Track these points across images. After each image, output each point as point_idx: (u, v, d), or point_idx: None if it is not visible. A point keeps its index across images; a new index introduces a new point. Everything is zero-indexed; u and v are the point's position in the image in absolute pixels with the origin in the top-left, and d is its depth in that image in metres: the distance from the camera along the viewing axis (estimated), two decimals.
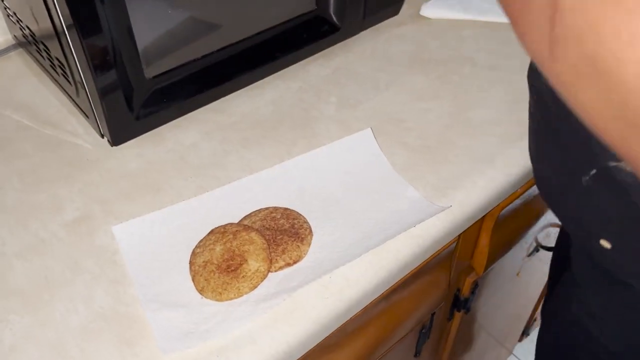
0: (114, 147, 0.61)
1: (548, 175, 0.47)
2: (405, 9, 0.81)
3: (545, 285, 1.15)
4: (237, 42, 0.64)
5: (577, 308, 0.51)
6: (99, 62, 0.53)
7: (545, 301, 0.64)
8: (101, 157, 0.60)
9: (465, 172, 0.58)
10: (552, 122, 0.44)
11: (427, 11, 0.81)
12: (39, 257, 0.51)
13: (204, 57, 0.62)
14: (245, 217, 0.53)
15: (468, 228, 0.62)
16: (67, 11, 0.50)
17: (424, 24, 0.79)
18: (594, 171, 0.38)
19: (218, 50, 0.63)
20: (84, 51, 0.52)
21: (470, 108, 0.66)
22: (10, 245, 0.51)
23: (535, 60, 0.28)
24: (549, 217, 0.84)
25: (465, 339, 0.95)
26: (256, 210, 0.53)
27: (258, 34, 0.66)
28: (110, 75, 0.55)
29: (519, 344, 1.37)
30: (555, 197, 0.46)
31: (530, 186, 0.67)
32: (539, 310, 1.24)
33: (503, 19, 0.79)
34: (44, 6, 0.53)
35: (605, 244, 0.40)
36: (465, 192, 0.56)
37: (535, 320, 1.28)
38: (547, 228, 0.88)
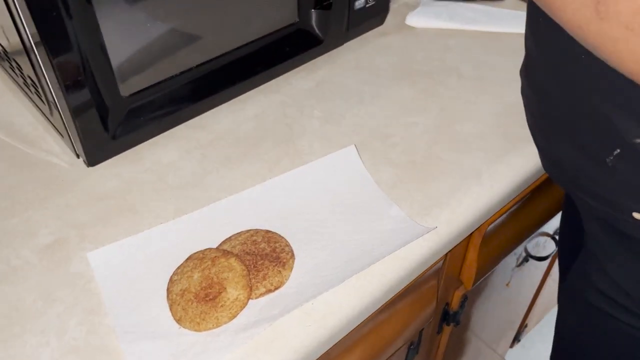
0: (90, 167, 0.59)
1: (562, 161, 0.47)
2: (390, 18, 0.80)
3: (536, 290, 1.14)
4: (217, 57, 0.63)
5: (597, 281, 0.51)
6: (71, 81, 0.52)
7: (560, 290, 0.64)
8: (77, 177, 0.58)
9: (451, 189, 0.57)
10: (561, 114, 0.44)
11: (412, 20, 0.79)
12: (10, 286, 0.49)
13: (182, 73, 0.61)
14: (224, 241, 0.51)
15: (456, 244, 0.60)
16: (34, 28, 0.48)
17: (410, 33, 0.78)
18: (617, 151, 0.39)
19: (197, 66, 0.61)
20: (54, 69, 0.50)
21: (457, 121, 0.65)
22: None
23: (573, 29, 0.33)
24: (541, 227, 0.83)
25: (456, 349, 0.94)
26: (236, 234, 0.52)
27: (238, 48, 0.64)
28: (83, 94, 0.53)
29: (511, 350, 1.36)
30: (574, 180, 0.47)
31: (519, 200, 0.66)
32: (530, 316, 1.23)
33: (488, 28, 0.78)
34: (12, 23, 0.51)
35: (638, 216, 0.41)
36: (451, 211, 0.55)
37: (526, 326, 1.27)
38: (536, 238, 0.87)
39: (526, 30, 0.48)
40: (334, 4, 0.67)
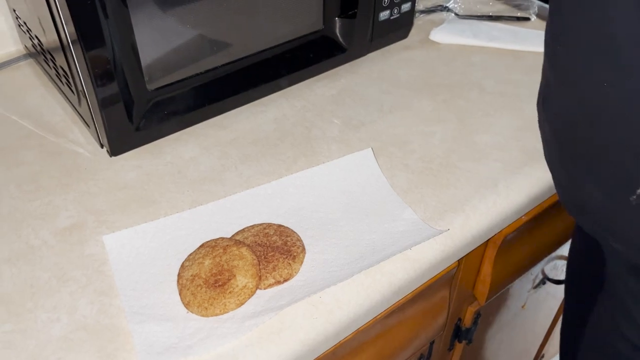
0: (113, 158, 0.60)
1: (585, 201, 0.45)
2: (414, 33, 0.81)
3: (554, 318, 1.11)
4: (242, 58, 0.64)
5: (625, 329, 0.48)
6: (101, 74, 0.54)
7: (564, 330, 0.61)
8: (100, 167, 0.60)
9: (466, 196, 0.57)
10: (581, 148, 0.42)
11: (436, 36, 0.80)
12: (28, 264, 0.50)
13: (207, 71, 0.62)
14: (237, 232, 0.52)
15: (470, 254, 0.60)
16: (72, 24, 0.50)
17: (433, 48, 0.79)
18: None
19: (222, 65, 0.63)
20: (87, 63, 0.52)
21: (476, 132, 0.65)
22: (0, 251, 0.51)
23: None
24: (557, 249, 0.82)
25: None
26: (249, 226, 0.52)
27: (264, 51, 0.66)
28: (112, 87, 0.55)
29: None
30: (598, 221, 0.45)
31: (536, 215, 0.65)
32: (546, 347, 1.20)
33: (513, 46, 0.79)
34: (50, 18, 0.53)
35: None
36: (465, 217, 0.55)
37: (542, 357, 1.24)
38: (554, 260, 0.85)
39: (544, 60, 0.46)
40: (358, 13, 0.68)
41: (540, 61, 0.76)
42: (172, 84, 0.60)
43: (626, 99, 0.34)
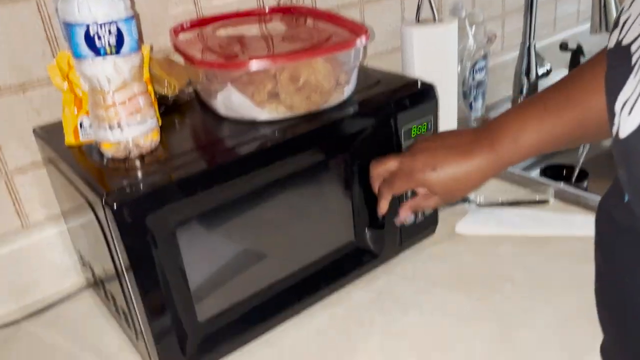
0: None
1: None
2: (440, 226, 0.86)
3: None
4: (283, 278, 0.69)
5: None
6: (155, 311, 0.59)
7: None
8: None
9: None
10: None
11: (462, 228, 0.85)
12: None
13: (252, 295, 0.67)
14: None
15: None
16: (127, 260, 0.56)
17: (461, 241, 0.83)
18: None
19: (266, 288, 0.68)
20: (142, 300, 0.58)
21: (515, 330, 0.66)
22: None
23: None
24: None
25: None
26: None
27: (302, 268, 0.71)
28: (165, 321, 0.60)
29: None
30: None
31: None
32: None
33: (536, 231, 0.83)
34: (112, 263, 0.60)
35: None
36: None
37: None
38: None
39: (595, 250, 0.48)
40: (386, 223, 0.74)
41: (563, 246, 0.79)
42: (221, 312, 0.65)
43: None
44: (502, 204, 0.90)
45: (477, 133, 0.62)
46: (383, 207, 0.69)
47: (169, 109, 0.72)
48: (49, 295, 0.81)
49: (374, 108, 0.69)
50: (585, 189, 1.14)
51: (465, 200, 0.91)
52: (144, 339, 0.61)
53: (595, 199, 0.89)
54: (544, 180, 0.99)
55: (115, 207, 0.52)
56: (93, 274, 0.74)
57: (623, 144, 0.37)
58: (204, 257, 0.62)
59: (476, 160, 0.60)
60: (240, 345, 0.67)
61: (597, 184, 1.14)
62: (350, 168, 0.70)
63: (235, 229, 0.63)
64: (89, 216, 0.59)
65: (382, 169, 0.67)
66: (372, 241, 0.76)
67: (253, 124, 0.64)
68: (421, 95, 0.72)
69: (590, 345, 0.62)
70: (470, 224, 0.86)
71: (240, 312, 0.66)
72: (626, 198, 0.41)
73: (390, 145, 0.71)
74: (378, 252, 0.76)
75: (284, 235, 0.68)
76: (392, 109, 0.70)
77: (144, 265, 0.56)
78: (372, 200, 0.71)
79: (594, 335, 0.63)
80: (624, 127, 0.36)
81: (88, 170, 0.60)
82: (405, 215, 0.71)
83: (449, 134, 0.65)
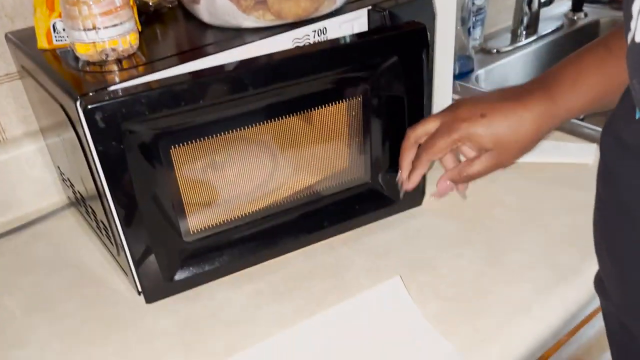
0: (150, 304, 0.62)
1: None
2: None
3: None
4: (283, 211, 0.66)
5: None
6: (136, 226, 0.57)
7: None
8: (138, 314, 0.62)
9: (501, 323, 0.56)
10: None
11: None
12: None
13: (246, 224, 0.64)
14: None
15: None
16: (102, 168, 0.53)
17: None
18: None
19: (262, 218, 0.65)
20: (122, 216, 0.56)
21: (504, 253, 0.65)
22: None
23: None
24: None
25: None
26: None
27: (307, 203, 0.67)
28: (146, 239, 0.58)
29: None
30: None
31: (576, 331, 0.64)
32: None
33: (529, 158, 0.81)
34: (90, 177, 0.58)
35: None
36: (502, 347, 0.54)
37: None
38: None
39: (597, 180, 0.46)
40: None
41: (558, 172, 0.77)
42: (208, 236, 0.63)
43: None
44: None
45: (530, 83, 0.55)
46: (415, 179, 0.58)
47: (150, 18, 0.68)
48: (30, 212, 0.79)
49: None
50: (582, 119, 1.11)
51: None
52: (125, 254, 0.60)
53: (590, 128, 0.87)
54: None
55: (89, 111, 0.49)
56: (73, 191, 0.72)
57: (638, 48, 0.34)
58: (191, 174, 0.59)
59: (531, 107, 0.52)
60: (228, 273, 0.65)
61: (592, 115, 1.12)
62: (369, 99, 0.64)
63: (228, 149, 0.60)
64: (65, 124, 0.56)
65: (420, 131, 0.58)
66: (388, 186, 0.71)
67: (238, 31, 0.61)
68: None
69: (577, 267, 0.62)
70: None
71: (230, 238, 0.64)
72: (638, 114, 0.39)
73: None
74: (395, 198, 0.71)
75: (291, 168, 0.64)
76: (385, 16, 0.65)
77: (119, 175, 0.54)
78: (392, 140, 0.66)
79: (581, 258, 0.63)
80: None
81: (62, 74, 0.57)
82: (444, 190, 0.59)
83: (494, 91, 0.57)
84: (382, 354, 0.53)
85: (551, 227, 0.68)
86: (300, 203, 0.67)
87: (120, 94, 0.52)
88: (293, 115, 0.61)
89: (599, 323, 0.69)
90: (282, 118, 0.60)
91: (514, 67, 1.18)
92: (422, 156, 0.57)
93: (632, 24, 0.35)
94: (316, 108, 0.62)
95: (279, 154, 0.63)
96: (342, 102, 0.63)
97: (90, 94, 0.51)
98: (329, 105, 0.62)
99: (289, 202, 0.66)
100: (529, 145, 0.54)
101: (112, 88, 0.52)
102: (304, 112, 0.61)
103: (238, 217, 0.64)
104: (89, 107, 0.49)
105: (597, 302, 0.61)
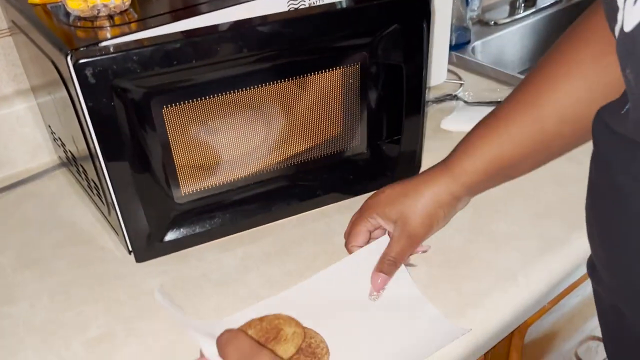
0: (140, 263, 0.63)
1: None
2: (427, 123, 0.84)
3: None
4: (276, 177, 0.66)
5: None
6: (127, 186, 0.57)
7: None
8: (128, 273, 0.62)
9: (486, 289, 0.57)
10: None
11: (447, 124, 0.83)
12: None
13: (238, 188, 0.64)
14: None
15: (496, 345, 0.59)
16: (92, 125, 0.53)
17: (445, 137, 0.81)
18: None
19: (255, 184, 0.65)
20: (113, 175, 0.56)
21: (492, 221, 0.66)
22: None
23: None
24: (587, 329, 0.80)
25: None
26: None
27: (300, 172, 0.67)
28: (137, 199, 0.58)
29: None
30: None
31: (559, 300, 0.65)
32: None
33: None
34: (82, 135, 0.57)
35: None
36: (486, 312, 0.55)
37: None
38: (587, 342, 0.83)
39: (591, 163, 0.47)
40: (403, 139, 0.69)
41: None
42: (200, 198, 0.63)
43: None
44: (490, 103, 0.88)
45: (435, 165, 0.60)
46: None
47: None
48: (20, 172, 0.79)
49: None
50: None
51: (453, 97, 0.89)
52: (116, 213, 0.60)
53: None
54: None
55: (79, 66, 0.49)
56: (64, 150, 0.72)
57: (629, 38, 0.34)
58: (183, 136, 0.59)
59: (429, 182, 0.58)
60: (219, 237, 0.65)
61: None
62: (367, 67, 0.63)
63: (221, 111, 0.59)
64: (56, 81, 0.55)
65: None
66: (383, 156, 0.71)
67: None
68: None
69: (564, 238, 0.63)
70: (456, 120, 0.84)
71: (222, 202, 0.64)
72: (627, 106, 0.39)
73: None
74: (390, 170, 0.71)
75: (285, 134, 0.64)
76: None
77: (110, 133, 0.54)
78: (389, 110, 0.65)
79: (569, 229, 0.64)
80: (629, 19, 0.34)
81: (53, 29, 0.56)
82: (380, 284, 0.56)
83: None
84: (369, 317, 0.54)
85: (540, 198, 0.68)
86: (294, 171, 0.67)
87: (112, 50, 0.51)
88: (287, 80, 0.60)
89: (581, 292, 0.70)
90: (276, 82, 0.60)
91: (511, 39, 1.17)
92: (347, 247, 0.60)
93: (619, 16, 0.35)
94: (312, 74, 0.61)
95: (272, 119, 0.63)
96: (339, 68, 0.62)
97: (82, 49, 0.51)
98: (325, 72, 0.62)
99: (282, 168, 0.66)
100: (433, 219, 0.58)
101: (104, 44, 0.52)
102: (299, 78, 0.61)
103: (230, 181, 0.64)
104: (80, 62, 0.49)
105: (581, 272, 0.62)
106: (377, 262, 0.57)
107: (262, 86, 0.59)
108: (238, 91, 0.58)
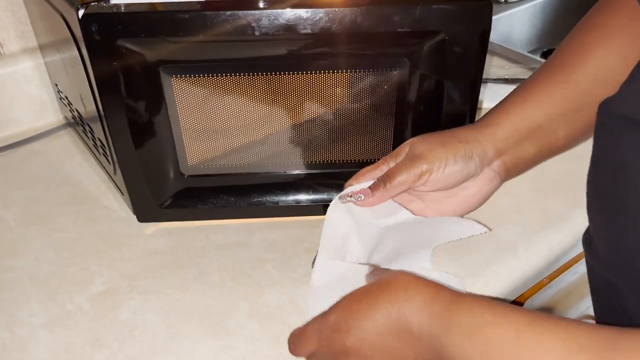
0: (144, 224, 0.63)
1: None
2: None
3: None
4: (282, 173, 0.62)
5: None
6: (134, 147, 0.57)
7: None
8: (132, 232, 0.63)
9: (486, 260, 0.58)
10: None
11: None
12: (63, 329, 0.52)
13: (250, 174, 0.62)
14: None
15: None
16: (96, 82, 0.53)
17: None
18: None
19: (267, 173, 0.62)
20: (119, 135, 0.56)
21: (495, 195, 0.66)
22: (38, 317, 0.54)
23: None
24: (583, 307, 0.81)
25: None
26: None
27: (317, 173, 0.63)
28: (143, 160, 0.58)
29: None
30: None
31: (557, 275, 0.66)
32: None
33: None
34: (90, 94, 0.57)
35: None
36: (485, 281, 0.56)
37: None
38: (582, 320, 0.84)
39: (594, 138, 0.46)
40: None
41: None
42: (206, 175, 0.61)
43: None
44: (498, 80, 0.88)
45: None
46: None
47: None
48: (26, 130, 0.79)
49: None
50: None
51: None
52: (122, 175, 0.61)
53: None
54: (543, 61, 0.95)
55: (85, 19, 0.49)
56: (71, 109, 0.72)
57: None
58: (194, 110, 0.57)
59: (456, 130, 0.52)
60: (222, 218, 0.64)
61: None
62: (405, 75, 0.55)
63: (240, 92, 0.56)
64: (65, 36, 0.55)
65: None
66: None
67: None
68: None
69: (565, 214, 0.64)
70: None
71: (230, 183, 0.62)
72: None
73: None
74: None
75: (307, 134, 0.59)
76: None
77: (112, 92, 0.53)
78: (422, 129, 0.57)
79: (571, 205, 0.64)
80: None
81: None
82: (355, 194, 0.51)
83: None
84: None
85: (543, 173, 0.69)
86: (309, 171, 0.63)
87: (123, 10, 0.51)
88: (316, 72, 0.55)
89: (580, 270, 0.71)
90: (301, 73, 0.55)
91: (520, 19, 1.16)
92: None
93: None
94: (347, 71, 0.55)
95: (292, 112, 0.58)
96: (371, 71, 0.55)
97: (92, 4, 0.50)
98: (357, 71, 0.55)
99: (294, 165, 0.62)
100: (447, 146, 0.51)
101: (116, 1, 0.51)
102: (333, 72, 0.55)
103: (240, 164, 0.61)
104: (86, 14, 0.49)
105: (580, 249, 0.63)
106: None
107: (285, 74, 0.55)
108: (252, 75, 0.55)
